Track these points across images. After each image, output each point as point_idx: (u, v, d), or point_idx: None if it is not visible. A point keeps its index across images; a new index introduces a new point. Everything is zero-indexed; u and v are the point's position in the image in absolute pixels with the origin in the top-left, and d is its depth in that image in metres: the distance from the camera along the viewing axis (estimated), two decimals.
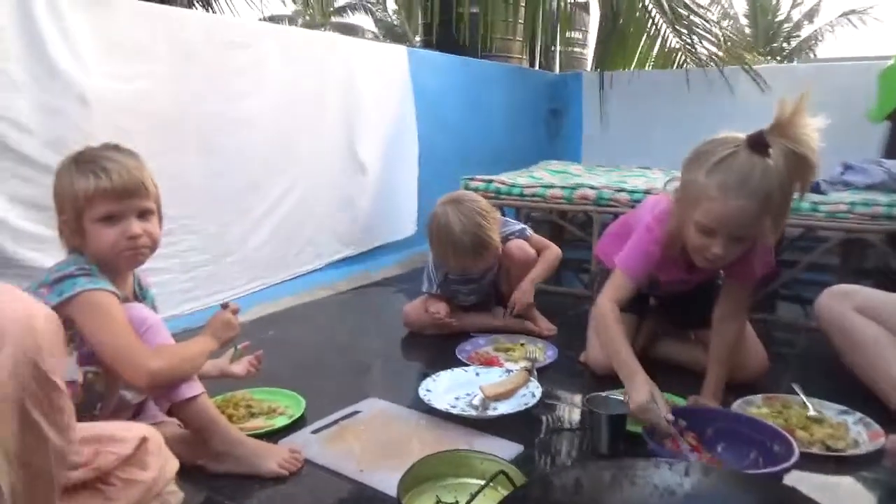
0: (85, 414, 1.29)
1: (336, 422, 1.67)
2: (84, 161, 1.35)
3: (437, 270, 2.36)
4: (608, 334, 1.66)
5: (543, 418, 1.73)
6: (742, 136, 1.46)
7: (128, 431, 1.15)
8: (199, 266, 2.43)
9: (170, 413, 1.39)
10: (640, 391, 1.50)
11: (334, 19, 19.73)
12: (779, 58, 17.41)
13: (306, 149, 2.88)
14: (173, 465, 1.22)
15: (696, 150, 1.52)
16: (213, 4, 5.41)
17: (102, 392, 1.36)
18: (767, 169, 1.40)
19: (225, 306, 1.56)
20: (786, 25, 17.91)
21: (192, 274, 2.41)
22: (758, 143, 1.41)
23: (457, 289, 2.40)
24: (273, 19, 17.44)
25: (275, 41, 2.70)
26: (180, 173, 2.31)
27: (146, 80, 2.18)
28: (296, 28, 3.41)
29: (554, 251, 2.40)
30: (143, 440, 1.14)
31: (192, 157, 2.36)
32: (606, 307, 1.67)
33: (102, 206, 1.33)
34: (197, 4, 5.29)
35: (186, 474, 1.37)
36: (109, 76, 2.08)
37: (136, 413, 1.53)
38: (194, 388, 1.37)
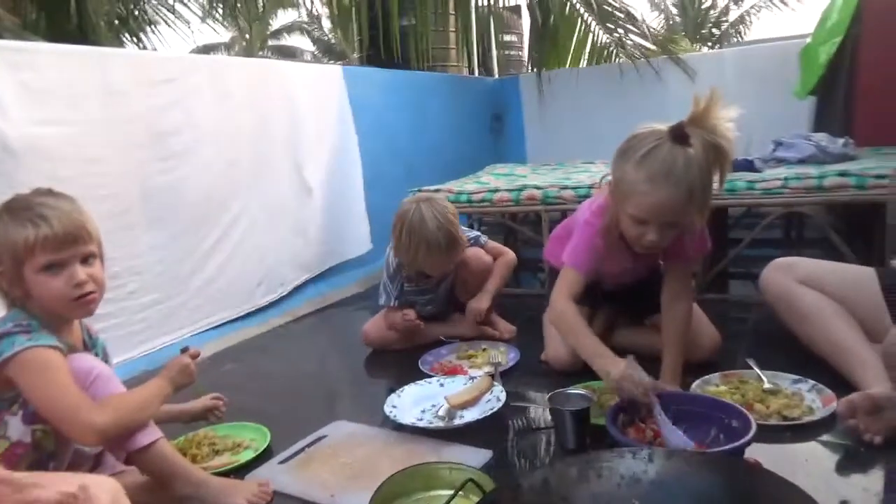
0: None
1: (303, 449, 1.65)
2: (18, 209, 1.30)
3: (392, 282, 2.35)
4: (570, 329, 1.71)
5: (510, 421, 1.74)
6: (662, 128, 1.52)
7: (62, 481, 1.06)
8: (150, 307, 2.38)
9: (128, 462, 1.35)
10: (615, 365, 1.54)
11: (272, 42, 19.60)
12: (709, 44, 17.93)
13: (251, 178, 2.85)
14: None
15: (621, 146, 1.59)
16: (143, 40, 5.32)
17: (53, 450, 1.31)
18: (689, 159, 1.48)
19: (185, 350, 1.53)
20: (713, 12, 18.47)
21: (143, 314, 2.36)
22: (678, 135, 1.49)
23: (414, 300, 2.40)
24: (208, 48, 17.24)
25: (206, 72, 2.66)
26: (120, 214, 2.26)
27: (74, 125, 2.13)
28: (226, 57, 3.38)
29: (508, 258, 2.43)
30: (73, 496, 1.05)
31: (131, 197, 2.32)
32: (562, 305, 1.72)
33: (44, 255, 1.29)
34: (126, 40, 5.19)
35: None
36: (34, 122, 2.03)
37: (96, 465, 1.48)
38: (150, 434, 1.34)
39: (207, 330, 2.62)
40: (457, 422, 1.69)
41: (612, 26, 4.85)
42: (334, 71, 3.51)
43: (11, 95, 1.98)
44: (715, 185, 1.54)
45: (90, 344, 1.48)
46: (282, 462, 1.60)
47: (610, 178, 1.66)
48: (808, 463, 1.42)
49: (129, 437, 1.31)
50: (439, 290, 2.43)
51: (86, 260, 1.35)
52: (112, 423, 1.26)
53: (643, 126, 1.57)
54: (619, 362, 1.55)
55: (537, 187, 2.90)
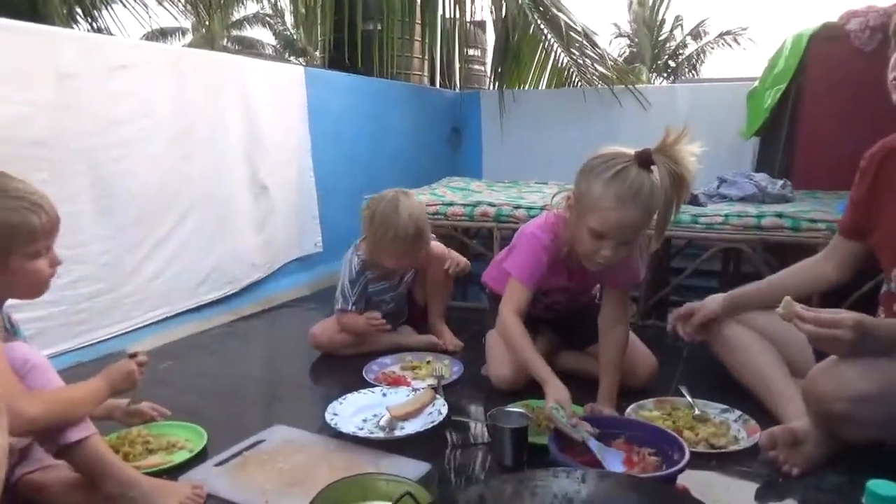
0: None
1: (239, 452, 1.63)
2: (7, 196, 1.29)
3: (353, 286, 2.34)
4: (516, 345, 1.78)
5: (450, 435, 1.76)
6: (629, 151, 1.61)
7: None
8: (92, 297, 2.31)
9: (58, 456, 1.32)
10: (548, 398, 1.61)
11: (233, 32, 19.25)
12: (664, 74, 18.48)
13: (204, 173, 2.80)
14: None
15: (589, 163, 1.65)
16: (97, 20, 5.16)
17: None
18: (654, 183, 1.57)
19: (133, 356, 1.50)
20: (670, 44, 19.05)
21: (84, 305, 2.29)
22: (644, 160, 1.58)
23: (378, 298, 2.42)
24: (164, 32, 16.81)
25: (164, 62, 2.61)
26: (66, 200, 2.18)
27: (23, 105, 2.06)
28: (186, 49, 3.32)
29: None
30: None
31: (78, 184, 2.25)
32: (509, 319, 1.79)
33: (43, 241, 1.33)
34: (80, 21, 5.02)
35: None
36: None
37: (21, 459, 1.43)
38: (83, 430, 1.30)
39: (149, 325, 2.56)
40: (397, 433, 1.70)
41: (573, 50, 4.96)
42: (297, 72, 3.49)
43: None
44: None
45: (11, 331, 1.44)
46: (217, 465, 1.58)
47: (565, 193, 1.73)
48: (729, 491, 1.49)
49: (61, 431, 1.28)
50: (400, 289, 2.46)
51: None
52: (41, 414, 1.23)
53: (608, 147, 1.65)
54: (550, 397, 1.60)
55: (491, 204, 2.95)
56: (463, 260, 2.46)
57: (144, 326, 2.54)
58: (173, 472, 1.53)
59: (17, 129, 2.05)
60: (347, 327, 2.34)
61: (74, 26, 4.94)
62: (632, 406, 1.82)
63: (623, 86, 4.56)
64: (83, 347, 2.29)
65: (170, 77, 2.62)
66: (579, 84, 4.94)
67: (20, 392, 1.23)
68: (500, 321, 1.82)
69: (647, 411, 1.82)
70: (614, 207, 1.57)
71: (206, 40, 16.15)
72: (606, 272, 1.77)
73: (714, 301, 1.93)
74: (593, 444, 1.51)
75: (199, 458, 1.61)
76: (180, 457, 1.61)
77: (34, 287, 1.37)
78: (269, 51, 19.39)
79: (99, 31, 5.17)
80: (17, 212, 1.29)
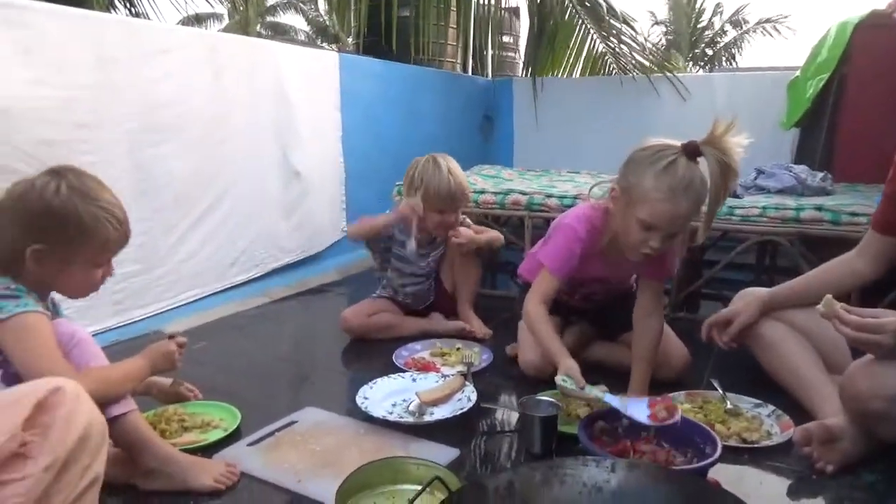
0: None
1: (272, 433, 1.66)
2: (88, 196, 1.33)
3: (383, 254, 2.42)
4: (538, 332, 1.82)
5: (479, 422, 1.77)
6: (675, 143, 1.62)
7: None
8: (129, 277, 2.37)
9: None
10: (560, 371, 1.68)
11: (267, 18, 19.39)
12: (701, 63, 18.14)
13: (237, 157, 2.84)
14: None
15: (636, 154, 1.67)
16: (136, 5, 5.24)
17: None
18: (702, 175, 1.59)
19: (172, 337, 1.55)
20: (707, 32, 18.67)
21: (122, 285, 2.35)
22: (692, 152, 1.60)
23: (398, 265, 2.45)
24: (199, 18, 17.00)
25: (202, 47, 2.65)
26: (108, 182, 2.23)
27: (65, 89, 2.12)
28: (222, 34, 3.36)
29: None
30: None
31: (117, 166, 2.30)
32: (533, 307, 1.84)
33: (107, 254, 1.38)
34: (119, 5, 5.11)
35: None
36: (26, 82, 2.01)
37: None
38: (124, 405, 1.35)
39: (183, 305, 2.62)
40: (427, 418, 1.72)
41: (609, 36, 4.89)
42: (331, 57, 3.51)
43: (5, 53, 1.95)
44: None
45: (53, 310, 1.49)
46: (250, 444, 1.61)
47: (608, 185, 1.75)
48: (762, 486, 1.47)
49: (103, 407, 1.31)
50: (429, 259, 2.48)
51: None
52: (91, 393, 1.27)
53: (653, 139, 1.67)
54: (565, 366, 1.67)
55: (523, 193, 2.94)
56: (481, 238, 2.45)
57: (179, 307, 2.61)
58: (208, 450, 1.57)
59: (62, 113, 2.11)
60: (362, 225, 2.38)
61: (113, 11, 5.01)
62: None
63: (660, 74, 4.48)
64: (120, 326, 2.35)
65: (207, 62, 2.66)
66: (614, 72, 4.87)
67: (70, 370, 1.27)
68: (525, 309, 1.86)
69: (678, 404, 1.80)
70: (666, 199, 1.59)
71: (241, 26, 16.30)
72: (644, 263, 1.77)
73: (750, 307, 1.88)
74: (610, 398, 1.55)
75: (233, 437, 1.65)
76: (214, 435, 1.64)
77: (81, 292, 1.41)
78: (302, 37, 19.49)
79: (137, 16, 5.25)
80: (101, 222, 1.33)
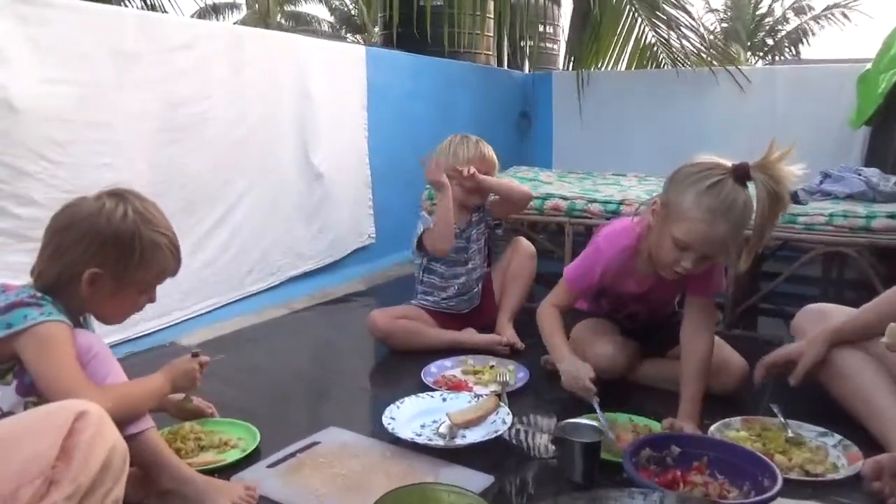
0: None
1: (293, 454, 1.69)
2: (158, 232, 1.42)
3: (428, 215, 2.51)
4: (546, 328, 1.99)
5: (515, 446, 1.78)
6: (726, 163, 1.66)
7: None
8: None
9: None
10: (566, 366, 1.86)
11: (287, 8, 19.66)
12: (760, 53, 17.89)
13: (257, 157, 2.90)
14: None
15: (682, 170, 1.72)
16: None
17: None
18: (748, 200, 1.62)
19: (195, 355, 1.61)
20: (767, 20, 18.39)
21: None
22: (742, 175, 1.63)
23: (444, 277, 2.53)
24: (216, 8, 17.32)
25: (222, 42, 2.72)
26: (124, 185, 2.29)
27: (82, 87, 2.19)
28: (246, 28, 3.42)
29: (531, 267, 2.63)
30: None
31: (133, 168, 2.36)
32: (545, 308, 2.02)
33: (158, 280, 1.47)
34: None
35: None
36: (41, 80, 2.08)
37: None
38: (141, 423, 1.39)
39: (199, 315, 2.68)
40: (458, 441, 1.73)
41: (663, 25, 4.84)
42: (357, 51, 3.56)
43: (19, 50, 2.02)
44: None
45: (84, 323, 1.54)
46: (270, 466, 1.64)
47: (653, 199, 1.79)
48: None
49: (120, 425, 1.35)
50: (468, 244, 2.54)
51: None
52: (109, 411, 1.31)
53: (703, 156, 1.71)
54: (568, 364, 1.87)
55: (563, 197, 2.94)
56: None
57: (194, 317, 2.66)
58: (225, 472, 1.60)
59: (78, 112, 2.18)
60: (434, 230, 2.44)
61: (128, 4, 5.15)
62: (716, 425, 1.79)
63: (718, 66, 4.42)
64: (135, 338, 2.41)
65: (227, 57, 2.72)
66: (664, 64, 4.84)
67: (86, 385, 1.32)
68: (539, 312, 2.03)
69: (733, 431, 1.79)
70: (703, 220, 1.62)
71: (260, 16, 16.56)
72: (688, 279, 1.80)
73: (815, 345, 1.84)
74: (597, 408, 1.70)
75: (252, 458, 1.68)
76: (232, 456, 1.68)
77: (119, 317, 1.49)
78: (325, 27, 19.71)
79: (152, 7, 5.38)
80: (162, 250, 1.43)
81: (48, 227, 1.41)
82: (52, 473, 1.02)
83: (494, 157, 2.55)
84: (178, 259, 1.49)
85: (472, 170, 2.45)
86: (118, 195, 1.42)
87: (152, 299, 1.50)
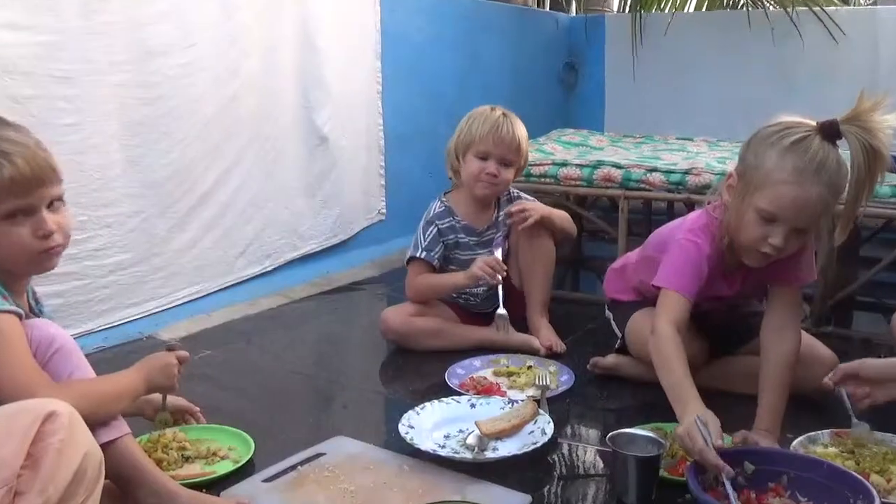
0: None
1: (294, 467, 1.71)
2: None
3: (429, 226, 2.51)
4: (663, 354, 1.75)
5: (556, 461, 1.79)
6: (811, 122, 1.65)
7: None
8: (119, 269, 2.47)
9: None
10: (690, 415, 1.58)
11: None
12: None
13: (251, 119, 2.93)
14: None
15: (760, 132, 1.71)
16: None
17: None
18: (841, 159, 1.61)
19: (171, 349, 1.62)
20: None
21: (110, 279, 2.45)
22: (831, 132, 1.62)
23: (463, 255, 2.51)
24: None
25: None
26: (90, 150, 2.34)
27: (44, 33, 2.21)
28: None
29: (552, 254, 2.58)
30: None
31: (105, 130, 2.40)
32: (667, 330, 1.76)
33: (9, 201, 1.35)
34: None
35: None
36: None
37: None
38: (115, 429, 1.40)
39: (182, 304, 2.72)
40: (489, 454, 1.74)
41: None
42: None
43: None
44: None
45: (36, 310, 1.55)
46: (267, 480, 1.66)
47: (732, 169, 1.78)
48: None
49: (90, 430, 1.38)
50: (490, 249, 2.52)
51: (51, 205, 1.41)
52: None
53: (785, 115, 1.70)
54: (693, 413, 1.58)
55: (617, 166, 2.92)
56: (545, 209, 2.52)
57: (176, 306, 2.70)
58: (214, 486, 1.63)
59: (41, 62, 2.20)
60: (416, 286, 2.44)
61: None
62: (800, 439, 1.78)
63: (805, 8, 4.34)
64: (105, 329, 2.45)
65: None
66: (741, 5, 4.77)
67: (44, 383, 1.33)
68: (655, 332, 1.79)
69: (820, 446, 1.78)
70: (791, 182, 1.61)
71: None
72: (774, 267, 1.78)
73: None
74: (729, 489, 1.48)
75: (245, 470, 1.70)
76: (223, 468, 1.70)
77: (17, 257, 1.39)
78: None
79: None
80: None
81: None
82: (18, 483, 1.04)
83: (521, 134, 2.50)
84: (13, 165, 1.32)
85: (523, 207, 2.47)
86: None
87: (38, 229, 1.37)
